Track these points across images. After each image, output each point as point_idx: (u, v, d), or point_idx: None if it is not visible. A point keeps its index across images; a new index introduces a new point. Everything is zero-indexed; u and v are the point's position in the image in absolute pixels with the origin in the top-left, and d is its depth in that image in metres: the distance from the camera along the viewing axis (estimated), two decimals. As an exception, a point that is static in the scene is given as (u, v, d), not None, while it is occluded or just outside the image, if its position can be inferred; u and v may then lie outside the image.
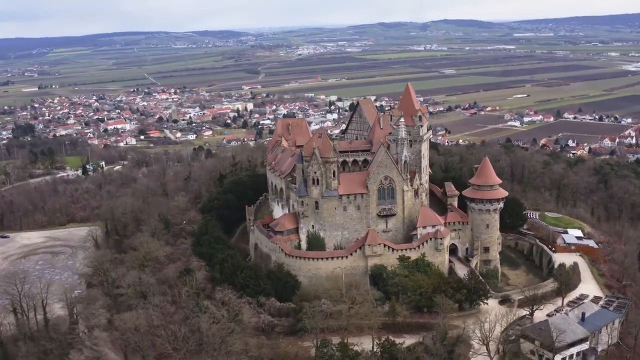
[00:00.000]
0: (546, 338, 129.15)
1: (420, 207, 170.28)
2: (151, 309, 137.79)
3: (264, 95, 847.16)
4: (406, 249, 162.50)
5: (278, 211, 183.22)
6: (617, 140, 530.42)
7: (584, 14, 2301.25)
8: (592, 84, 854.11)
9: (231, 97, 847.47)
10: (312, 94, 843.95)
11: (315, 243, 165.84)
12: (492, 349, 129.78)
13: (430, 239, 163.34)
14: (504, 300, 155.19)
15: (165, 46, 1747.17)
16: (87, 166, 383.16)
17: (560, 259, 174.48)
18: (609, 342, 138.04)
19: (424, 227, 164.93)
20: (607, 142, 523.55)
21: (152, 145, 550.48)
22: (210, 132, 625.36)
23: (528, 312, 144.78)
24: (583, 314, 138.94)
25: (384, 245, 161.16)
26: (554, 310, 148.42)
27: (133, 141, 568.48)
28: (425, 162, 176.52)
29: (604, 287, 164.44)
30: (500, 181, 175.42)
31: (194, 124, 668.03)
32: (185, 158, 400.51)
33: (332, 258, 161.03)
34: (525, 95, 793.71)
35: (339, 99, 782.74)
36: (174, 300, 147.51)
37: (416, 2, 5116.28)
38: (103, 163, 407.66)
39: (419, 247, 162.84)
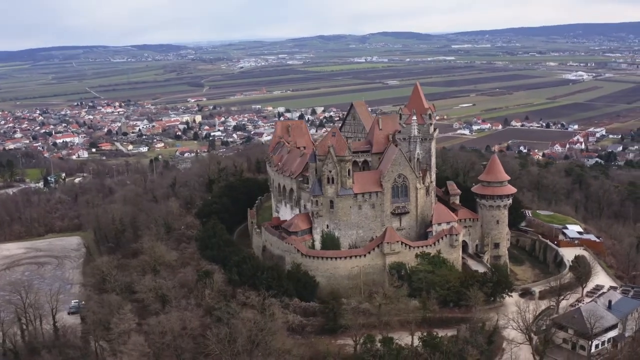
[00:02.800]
0: (580, 326, 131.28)
1: (434, 204, 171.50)
2: (178, 311, 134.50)
3: (211, 107, 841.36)
4: (423, 246, 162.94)
5: (286, 212, 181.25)
6: (568, 146, 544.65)
7: (519, 25, 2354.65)
8: (534, 92, 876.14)
9: (178, 109, 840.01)
10: (260, 106, 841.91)
11: (330, 243, 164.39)
12: (524, 338, 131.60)
13: (446, 235, 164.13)
14: (525, 293, 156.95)
15: (104, 60, 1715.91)
16: (49, 178, 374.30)
17: (566, 253, 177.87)
18: (635, 329, 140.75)
19: (439, 224, 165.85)
20: (557, 148, 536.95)
21: (104, 157, 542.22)
22: (162, 144, 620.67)
23: (554, 303, 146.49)
24: (610, 301, 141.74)
25: (401, 243, 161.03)
26: (576, 301, 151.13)
27: (85, 154, 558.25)
28: (433, 160, 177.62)
29: (615, 277, 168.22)
30: (508, 177, 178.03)
31: (144, 137, 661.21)
32: (147, 168, 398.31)
33: (350, 257, 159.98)
34: (470, 104, 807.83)
35: (288, 110, 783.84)
36: (198, 303, 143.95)
37: (354, 15, 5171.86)
38: (64, 175, 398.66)
39: (434, 243, 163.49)
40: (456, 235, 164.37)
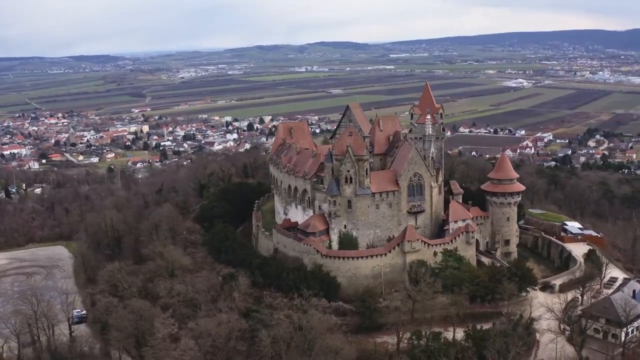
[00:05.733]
0: (613, 315, 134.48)
1: (450, 203, 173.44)
2: (217, 314, 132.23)
3: (157, 117, 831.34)
4: (441, 244, 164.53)
5: (296, 214, 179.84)
6: (519, 150, 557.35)
7: (455, 34, 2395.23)
8: (477, 100, 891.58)
9: (123, 120, 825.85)
10: (206, 115, 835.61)
11: (348, 243, 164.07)
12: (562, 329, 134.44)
13: (462, 232, 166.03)
14: (545, 287, 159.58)
15: (42, 71, 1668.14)
16: (10, 188, 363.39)
17: (571, 248, 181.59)
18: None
19: (455, 222, 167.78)
20: (509, 153, 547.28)
21: (55, 168, 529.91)
22: (113, 155, 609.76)
23: (579, 294, 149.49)
24: (634, 291, 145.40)
25: (421, 241, 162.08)
26: (596, 292, 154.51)
27: (36, 165, 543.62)
28: (443, 159, 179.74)
29: (625, 270, 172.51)
30: (518, 175, 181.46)
31: (93, 147, 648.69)
32: (107, 178, 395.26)
33: (371, 256, 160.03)
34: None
35: (235, 120, 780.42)
36: (229, 306, 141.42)
37: (292, 25, 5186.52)
38: (24, 185, 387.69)
39: (452, 241, 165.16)
40: (472, 232, 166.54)
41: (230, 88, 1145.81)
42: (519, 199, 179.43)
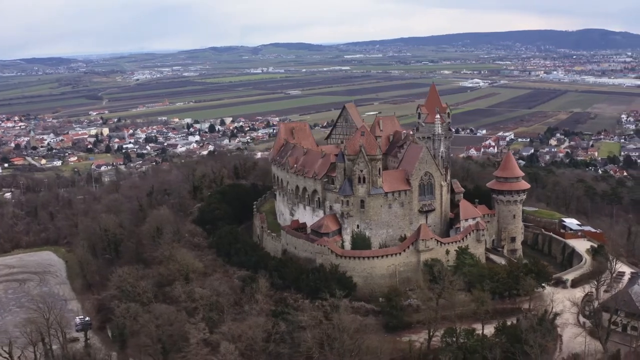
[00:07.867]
0: (632, 308, 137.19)
1: (461, 201, 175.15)
2: (249, 317, 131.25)
3: (116, 120, 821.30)
4: (453, 242, 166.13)
5: (305, 215, 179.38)
6: (482, 150, 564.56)
7: (408, 35, 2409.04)
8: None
9: (82, 122, 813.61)
10: (166, 118, 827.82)
11: (361, 243, 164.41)
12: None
13: (473, 230, 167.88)
14: (557, 283, 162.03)
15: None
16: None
17: (574, 244, 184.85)
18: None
19: (466, 220, 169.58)
20: (473, 152, 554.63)
21: (18, 172, 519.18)
22: (76, 158, 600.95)
23: (593, 289, 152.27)
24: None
25: (435, 240, 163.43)
26: (607, 286, 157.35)
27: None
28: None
29: (630, 264, 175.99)
30: (523, 174, 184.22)
31: (55, 150, 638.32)
32: (78, 181, 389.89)
33: (386, 256, 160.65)
34: (377, 112, 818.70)
35: (196, 121, 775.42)
36: (252, 308, 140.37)
37: (245, 27, 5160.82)
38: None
39: (463, 239, 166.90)
40: (482, 230, 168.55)
41: (187, 90, 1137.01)
42: (525, 196, 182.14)
